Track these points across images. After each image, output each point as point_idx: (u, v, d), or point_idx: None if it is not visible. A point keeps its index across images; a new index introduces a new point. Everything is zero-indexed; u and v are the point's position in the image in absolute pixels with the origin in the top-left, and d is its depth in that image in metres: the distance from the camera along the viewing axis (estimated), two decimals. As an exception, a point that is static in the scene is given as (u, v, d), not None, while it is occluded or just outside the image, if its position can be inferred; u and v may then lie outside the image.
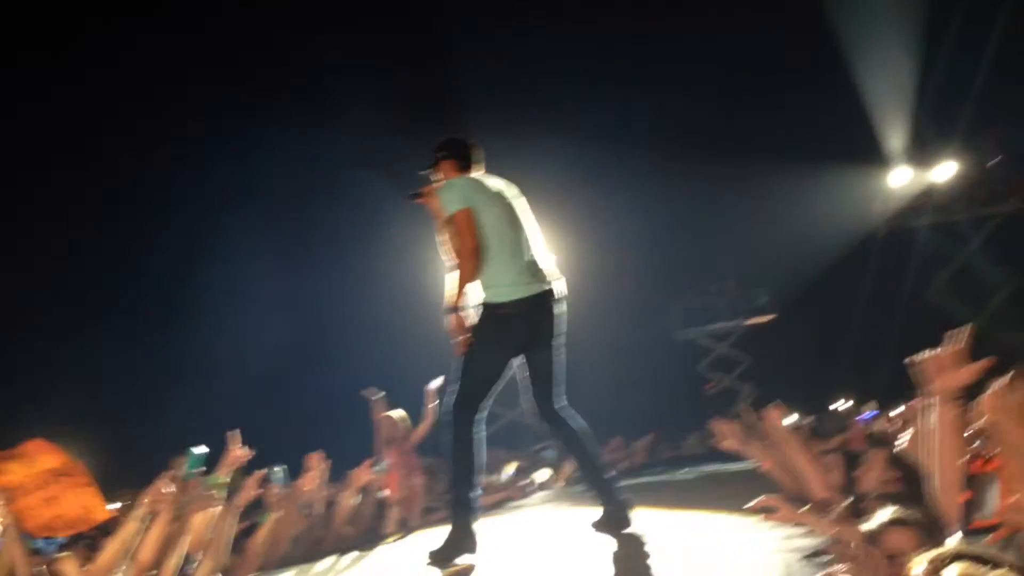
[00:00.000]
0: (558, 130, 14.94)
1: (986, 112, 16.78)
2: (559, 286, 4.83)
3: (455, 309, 4.56)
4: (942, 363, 2.19)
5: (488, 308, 4.63)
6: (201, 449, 5.28)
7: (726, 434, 4.55)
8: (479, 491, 4.62)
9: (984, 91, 16.30)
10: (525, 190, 5.02)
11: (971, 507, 1.75)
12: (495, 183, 4.89)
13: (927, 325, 17.96)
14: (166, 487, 4.91)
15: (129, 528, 4.67)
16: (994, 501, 1.75)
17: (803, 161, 16.06)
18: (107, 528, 5.23)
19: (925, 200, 18.58)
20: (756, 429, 5.80)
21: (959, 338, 2.20)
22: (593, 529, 4.61)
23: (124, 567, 4.87)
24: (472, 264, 4.57)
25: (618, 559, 4.02)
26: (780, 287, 19.86)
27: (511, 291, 4.62)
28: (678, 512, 5.61)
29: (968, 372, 2.18)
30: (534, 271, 4.72)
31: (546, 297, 4.72)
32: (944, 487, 1.92)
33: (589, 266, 16.51)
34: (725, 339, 21.34)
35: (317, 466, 6.61)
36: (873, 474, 3.92)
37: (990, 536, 1.82)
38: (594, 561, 4.00)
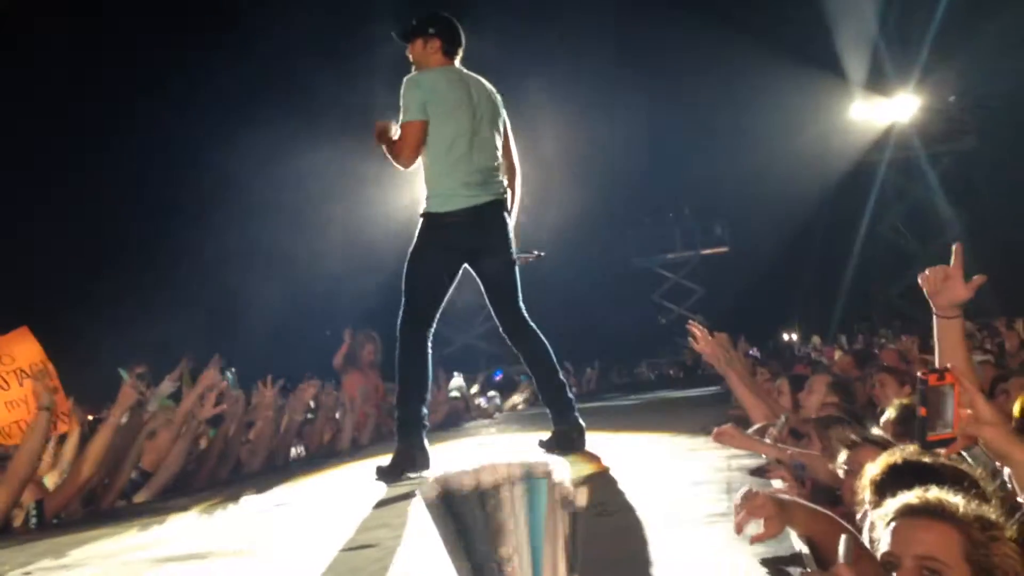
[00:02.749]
0: (515, 46, 14.67)
1: (947, 48, 16.82)
2: (507, 199, 4.72)
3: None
4: (945, 277, 2.22)
5: (429, 218, 4.55)
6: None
7: (699, 338, 4.58)
8: (426, 409, 4.58)
9: (945, 26, 16.31)
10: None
11: (928, 421, 1.79)
12: (467, 81, 4.66)
13: (880, 260, 18.32)
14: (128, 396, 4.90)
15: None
16: (951, 415, 1.78)
17: (765, 92, 16.00)
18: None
19: (884, 135, 18.69)
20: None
21: (959, 255, 2.23)
22: (541, 449, 4.56)
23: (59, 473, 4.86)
24: (402, 167, 4.58)
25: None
26: (736, 218, 20.01)
27: (453, 201, 4.52)
28: (627, 435, 5.70)
29: (969, 287, 2.21)
30: (483, 182, 4.58)
31: (494, 208, 4.61)
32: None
33: (546, 187, 16.50)
34: (679, 269, 21.53)
35: (269, 385, 6.58)
36: (815, 397, 4.01)
37: (947, 449, 1.86)
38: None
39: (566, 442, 4.53)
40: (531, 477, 0.92)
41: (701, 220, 21.04)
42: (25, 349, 4.92)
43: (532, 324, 4.69)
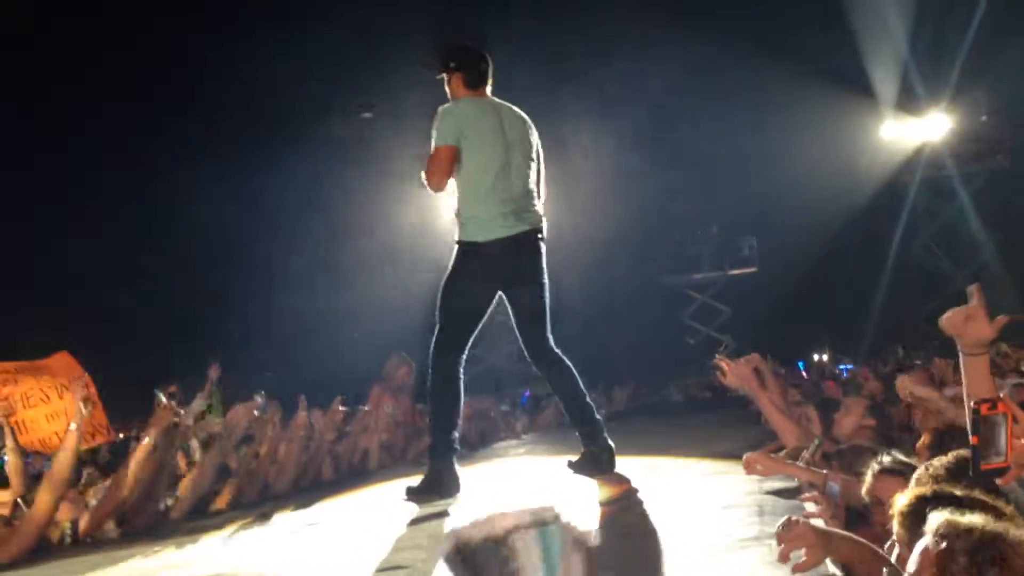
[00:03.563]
0: (543, 62, 14.72)
1: (978, 67, 16.69)
2: (544, 227, 4.71)
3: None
4: (967, 318, 2.20)
5: (467, 247, 4.54)
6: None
7: (728, 372, 4.55)
8: (457, 434, 4.57)
9: (976, 46, 16.19)
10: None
11: (980, 450, 1.78)
12: (499, 110, 4.68)
13: (911, 280, 18.08)
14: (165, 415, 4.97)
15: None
16: (1003, 444, 1.77)
17: (795, 111, 15.93)
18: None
19: (915, 155, 18.54)
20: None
21: (978, 295, 2.21)
22: (571, 470, 4.55)
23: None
24: (432, 190, 4.62)
25: (598, 503, 4.05)
26: (764, 238, 19.88)
27: (491, 230, 4.51)
28: (655, 458, 5.67)
29: (994, 327, 2.19)
30: (519, 210, 4.58)
31: (529, 237, 4.60)
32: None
33: (575, 207, 16.50)
34: (707, 289, 21.41)
35: (303, 407, 6.62)
36: (849, 420, 3.97)
37: (1002, 479, 1.85)
38: (575, 504, 4.03)
39: (595, 464, 4.51)
40: (542, 524, 0.92)
41: (729, 239, 20.91)
42: (64, 367, 5.03)
43: (558, 351, 4.67)
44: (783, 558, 1.92)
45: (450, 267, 4.61)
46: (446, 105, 4.65)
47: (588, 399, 4.67)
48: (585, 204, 16.45)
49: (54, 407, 4.95)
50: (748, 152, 16.73)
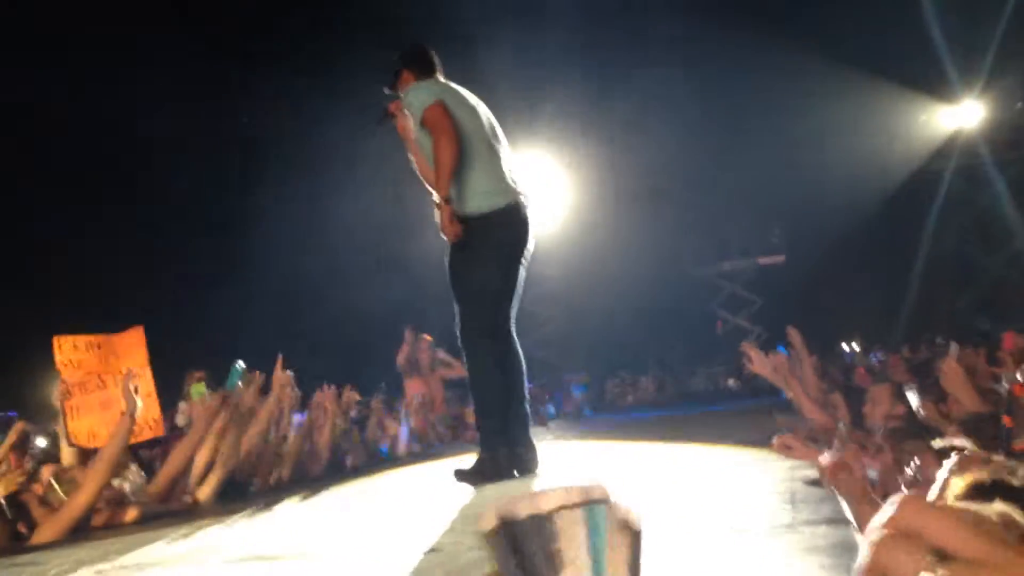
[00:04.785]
0: (574, 47, 14.61)
1: (1013, 54, 16.42)
2: (533, 200, 4.64)
3: (446, 201, 4.28)
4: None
5: (473, 220, 4.37)
6: (241, 364, 5.34)
7: (755, 359, 4.53)
8: (524, 409, 4.49)
9: (1011, 33, 15.93)
10: (537, 107, 4.84)
11: (1013, 431, 1.76)
12: (463, 90, 4.62)
13: (945, 269, 17.87)
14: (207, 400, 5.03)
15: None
16: None
17: (826, 99, 15.75)
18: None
19: (949, 142, 18.30)
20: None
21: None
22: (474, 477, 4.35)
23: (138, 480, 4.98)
24: (453, 151, 4.28)
25: (639, 494, 4.06)
26: (794, 226, 19.71)
27: (495, 199, 4.41)
28: (685, 446, 5.67)
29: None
30: (513, 179, 4.53)
31: (525, 208, 4.54)
32: None
33: (603, 196, 16.45)
34: (736, 278, 21.28)
35: (327, 393, 6.68)
36: (880, 409, 3.94)
37: None
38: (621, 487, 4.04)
39: (527, 463, 4.46)
40: (589, 502, 0.91)
41: (758, 228, 20.75)
42: (132, 350, 5.07)
43: (514, 334, 4.57)
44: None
45: (455, 246, 4.42)
46: (407, 88, 4.55)
47: (525, 394, 4.58)
48: (612, 194, 16.41)
49: (109, 394, 4.99)
50: (778, 140, 16.56)
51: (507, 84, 11.68)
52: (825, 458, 2.16)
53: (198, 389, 5.70)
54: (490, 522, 0.92)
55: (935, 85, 17.35)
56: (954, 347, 3.60)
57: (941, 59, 16.61)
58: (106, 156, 13.34)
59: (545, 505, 0.91)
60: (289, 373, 6.00)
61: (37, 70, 12.36)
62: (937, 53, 16.44)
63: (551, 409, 12.23)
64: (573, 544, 0.90)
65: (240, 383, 5.48)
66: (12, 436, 4.69)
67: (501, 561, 0.92)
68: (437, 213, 4.40)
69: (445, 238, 4.40)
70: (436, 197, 4.37)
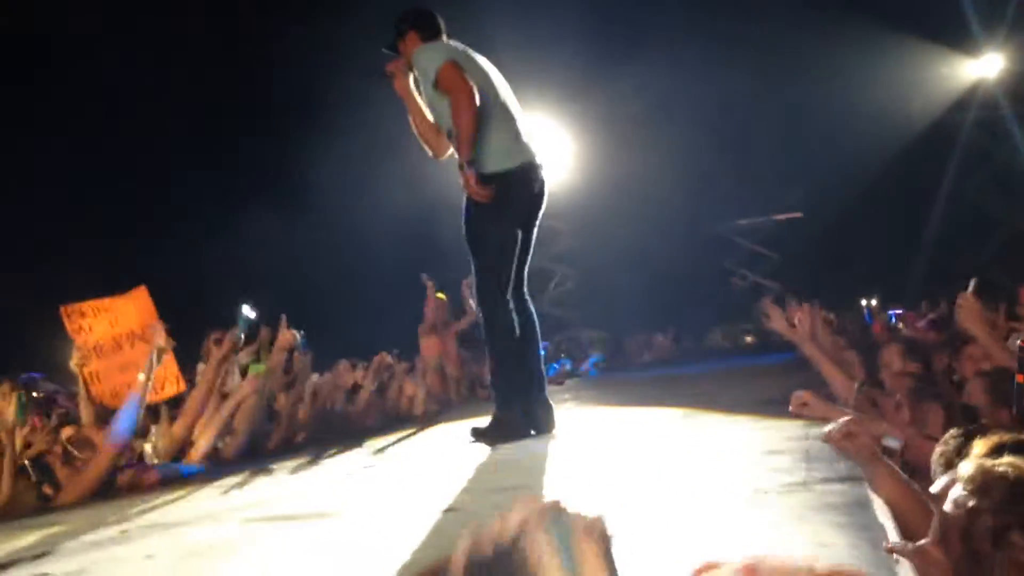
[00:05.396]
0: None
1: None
2: (545, 161, 4.64)
3: (469, 164, 4.27)
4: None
5: (490, 178, 4.33)
6: (251, 312, 5.35)
7: (774, 315, 4.51)
8: (538, 369, 4.50)
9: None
10: (548, 65, 4.77)
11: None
12: (473, 52, 4.59)
13: (964, 223, 17.70)
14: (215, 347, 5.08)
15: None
16: None
17: (842, 52, 15.52)
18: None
19: (968, 94, 18.03)
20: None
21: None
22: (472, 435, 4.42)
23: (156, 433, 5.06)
24: (473, 111, 4.23)
25: (638, 449, 4.09)
26: (810, 182, 19.54)
27: (511, 158, 4.40)
28: (700, 404, 5.68)
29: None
30: (528, 138, 4.52)
31: (539, 167, 4.54)
32: None
33: (618, 152, 16.33)
34: (753, 235, 21.16)
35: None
36: (892, 369, 3.93)
37: None
38: (634, 454, 4.07)
39: (537, 421, 4.49)
40: (549, 520, 0.90)
41: (775, 184, 20.58)
42: (140, 310, 5.13)
43: (527, 296, 4.62)
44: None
45: (472, 205, 4.40)
46: (417, 49, 4.50)
47: (540, 354, 4.62)
48: (627, 152, 16.28)
49: (126, 356, 5.07)
50: (795, 94, 16.36)
51: (516, 36, 11.51)
52: (831, 427, 2.16)
53: (256, 368, 5.73)
54: (459, 566, 0.91)
55: (956, 37, 17.05)
56: (973, 282, 3.49)
57: (962, 10, 16.32)
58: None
59: (506, 533, 0.90)
60: (295, 333, 5.99)
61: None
62: (958, 4, 16.15)
63: (568, 367, 12.26)
64: (543, 564, 0.89)
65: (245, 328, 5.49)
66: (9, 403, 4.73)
67: None
68: (459, 174, 4.38)
69: (470, 198, 4.39)
70: (459, 159, 4.35)
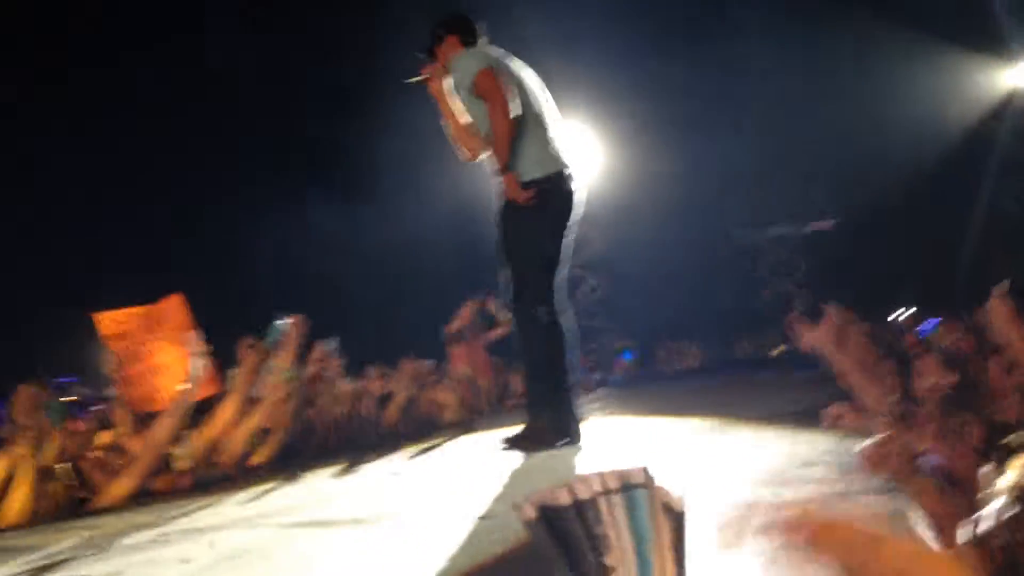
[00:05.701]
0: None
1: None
2: (580, 171, 4.66)
3: (506, 169, 4.34)
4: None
5: (524, 186, 4.39)
6: (284, 322, 5.40)
7: (801, 331, 4.47)
8: (571, 379, 4.48)
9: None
10: (585, 75, 4.81)
11: None
12: (512, 58, 4.64)
13: (1000, 233, 17.49)
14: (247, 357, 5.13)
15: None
16: None
17: (876, 59, 15.40)
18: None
19: (1004, 102, 17.82)
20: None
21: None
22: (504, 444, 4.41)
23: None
24: (509, 120, 4.29)
25: (685, 468, 4.08)
26: (843, 190, 19.37)
27: (543, 167, 4.43)
28: (730, 416, 5.64)
29: None
30: (562, 146, 4.55)
31: (571, 178, 4.55)
32: None
33: (645, 155, 16.29)
34: (784, 243, 21.00)
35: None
36: (926, 380, 3.87)
37: None
38: (666, 466, 4.05)
39: (568, 431, 4.44)
40: (628, 487, 0.91)
41: (806, 192, 20.41)
42: (175, 317, 5.19)
43: (564, 303, 4.60)
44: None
45: (507, 212, 4.46)
46: (454, 55, 4.56)
47: (575, 367, 4.58)
48: (655, 156, 16.24)
49: (160, 361, 5.13)
50: (827, 101, 16.25)
51: (550, 42, 11.49)
52: (865, 445, 2.14)
53: (287, 375, 5.79)
54: (530, 511, 0.92)
55: (991, 45, 16.87)
56: (1004, 283, 3.44)
57: (998, 18, 16.14)
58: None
59: (585, 491, 0.92)
60: (329, 343, 6.08)
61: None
62: (994, 11, 15.98)
63: (597, 376, 12.24)
64: (616, 529, 0.90)
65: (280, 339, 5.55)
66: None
67: (544, 548, 0.92)
68: (497, 180, 4.45)
69: (505, 205, 4.45)
70: (498, 165, 4.41)
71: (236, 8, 13.43)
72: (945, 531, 1.87)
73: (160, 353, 5.16)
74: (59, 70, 12.80)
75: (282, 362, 5.87)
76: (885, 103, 15.88)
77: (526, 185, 4.39)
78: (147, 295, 5.45)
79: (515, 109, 4.34)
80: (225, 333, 5.40)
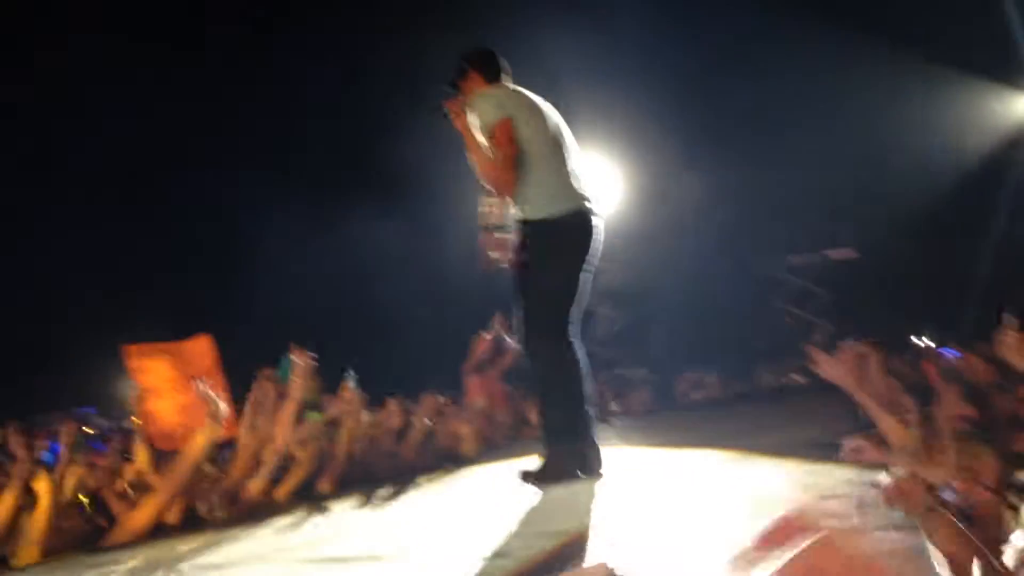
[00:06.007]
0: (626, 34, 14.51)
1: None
2: (601, 207, 4.67)
3: (495, 227, 4.45)
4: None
5: (538, 225, 4.45)
6: (294, 357, 5.42)
7: (821, 361, 4.44)
8: (589, 411, 4.47)
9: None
10: (588, 107, 4.85)
11: None
12: (532, 95, 4.67)
13: (1019, 262, 17.36)
14: (263, 390, 5.14)
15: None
16: None
17: (893, 88, 15.41)
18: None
19: (1021, 131, 17.78)
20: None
21: None
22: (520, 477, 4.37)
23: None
24: (510, 176, 4.40)
25: (716, 495, 4.05)
26: (863, 219, 19.31)
27: (559, 204, 4.46)
28: (750, 446, 5.61)
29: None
30: (579, 186, 4.56)
31: (591, 214, 4.56)
32: None
33: (664, 186, 16.31)
34: (804, 272, 20.91)
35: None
36: (946, 411, 3.85)
37: None
38: (685, 497, 4.04)
39: (585, 463, 4.43)
40: None
41: (826, 221, 20.35)
42: (202, 356, 5.23)
43: (580, 340, 4.59)
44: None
45: (524, 251, 4.51)
46: (476, 93, 4.61)
47: (593, 400, 4.58)
48: (673, 185, 16.26)
49: (184, 400, 5.16)
50: (843, 131, 16.25)
51: (570, 75, 11.54)
52: (883, 481, 2.14)
53: (313, 416, 5.81)
54: None
55: (1008, 72, 16.86)
56: (1014, 317, 3.41)
57: (1016, 46, 16.14)
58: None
59: None
60: (351, 384, 6.11)
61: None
62: (1012, 39, 15.98)
63: (613, 407, 12.19)
64: None
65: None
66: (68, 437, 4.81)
67: None
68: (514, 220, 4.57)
69: (521, 242, 4.54)
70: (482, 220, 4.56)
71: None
72: (962, 569, 1.86)
73: (185, 393, 5.19)
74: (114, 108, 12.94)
75: (302, 395, 5.89)
76: (903, 132, 15.86)
77: (542, 223, 4.44)
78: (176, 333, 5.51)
79: (520, 166, 4.43)
80: (245, 372, 5.45)
